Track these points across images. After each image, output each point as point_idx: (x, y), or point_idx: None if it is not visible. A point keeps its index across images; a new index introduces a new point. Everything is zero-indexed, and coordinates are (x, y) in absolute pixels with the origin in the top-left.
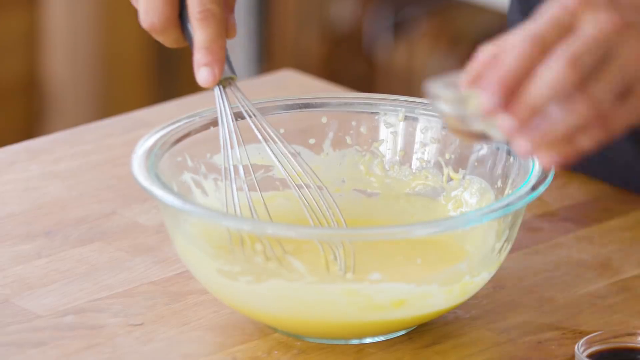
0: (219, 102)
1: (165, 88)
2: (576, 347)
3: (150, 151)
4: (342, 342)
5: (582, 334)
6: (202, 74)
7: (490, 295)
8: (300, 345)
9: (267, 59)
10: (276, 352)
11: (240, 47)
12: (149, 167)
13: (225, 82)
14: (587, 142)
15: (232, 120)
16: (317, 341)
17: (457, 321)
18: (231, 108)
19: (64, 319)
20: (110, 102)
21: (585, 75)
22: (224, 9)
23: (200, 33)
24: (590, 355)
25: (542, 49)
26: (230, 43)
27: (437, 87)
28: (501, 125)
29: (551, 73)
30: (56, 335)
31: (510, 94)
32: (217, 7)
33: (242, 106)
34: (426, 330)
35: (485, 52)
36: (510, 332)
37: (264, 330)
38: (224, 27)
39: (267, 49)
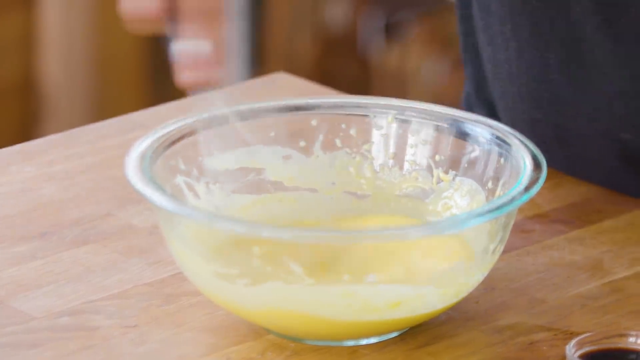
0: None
1: (160, 90)
2: (567, 348)
3: (144, 154)
4: (336, 343)
5: (573, 335)
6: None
7: (481, 297)
8: (294, 347)
9: (260, 62)
10: (270, 353)
11: (233, 49)
12: (144, 169)
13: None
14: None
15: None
16: (310, 343)
17: (450, 322)
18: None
19: (59, 321)
20: (105, 104)
21: None
22: None
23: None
24: (581, 356)
25: None
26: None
27: None
28: None
29: None
30: (51, 337)
31: None
32: None
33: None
34: (419, 332)
35: None
36: (502, 333)
37: (258, 331)
38: None
39: (259, 52)
